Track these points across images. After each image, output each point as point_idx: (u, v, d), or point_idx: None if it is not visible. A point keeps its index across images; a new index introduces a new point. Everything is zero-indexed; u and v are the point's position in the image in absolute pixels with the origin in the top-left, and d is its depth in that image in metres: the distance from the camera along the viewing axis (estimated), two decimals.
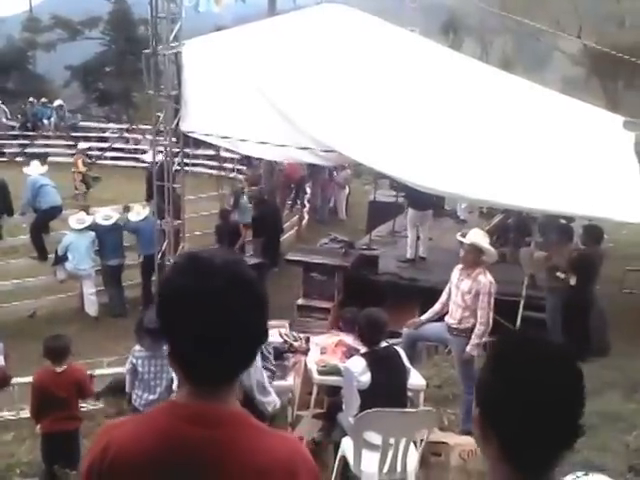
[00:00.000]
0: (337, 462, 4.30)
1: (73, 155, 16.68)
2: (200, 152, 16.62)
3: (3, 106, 21.03)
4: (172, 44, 7.60)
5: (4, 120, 20.63)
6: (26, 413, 5.35)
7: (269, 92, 6.73)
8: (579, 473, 1.34)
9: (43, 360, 4.86)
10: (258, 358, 3.39)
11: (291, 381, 4.95)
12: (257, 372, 3.47)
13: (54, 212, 9.70)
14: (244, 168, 16.12)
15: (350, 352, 4.74)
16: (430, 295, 6.59)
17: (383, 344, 4.33)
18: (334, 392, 4.73)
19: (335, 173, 15.29)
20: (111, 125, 21.85)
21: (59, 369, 4.47)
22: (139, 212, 9.51)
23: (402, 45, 7.00)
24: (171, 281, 1.37)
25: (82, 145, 17.44)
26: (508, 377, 1.22)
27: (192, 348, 1.31)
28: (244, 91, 6.90)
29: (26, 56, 29.12)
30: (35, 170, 9.93)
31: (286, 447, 1.40)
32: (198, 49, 7.63)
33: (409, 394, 4.48)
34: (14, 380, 6.01)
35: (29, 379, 5.89)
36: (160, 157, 8.32)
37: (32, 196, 9.53)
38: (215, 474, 1.31)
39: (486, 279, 5.36)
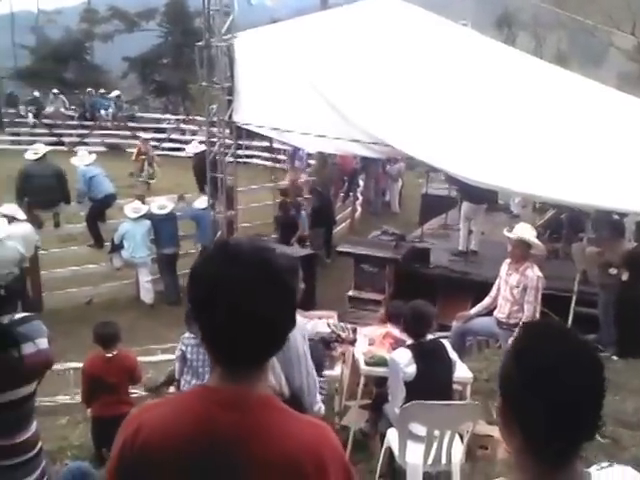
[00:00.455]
0: (383, 453, 4.32)
1: (134, 145, 17.10)
2: (254, 144, 16.80)
3: (62, 96, 21.62)
4: (225, 36, 7.71)
5: (63, 110, 21.21)
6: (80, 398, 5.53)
7: (321, 85, 6.75)
8: (604, 464, 1.32)
9: (93, 345, 5.04)
10: (309, 359, 3.41)
11: (338, 371, 4.98)
12: (309, 375, 3.49)
13: (108, 200, 9.89)
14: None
15: (397, 344, 4.74)
16: (482, 289, 6.55)
17: (429, 336, 4.32)
18: (382, 383, 4.74)
19: (388, 166, 15.24)
20: (168, 116, 22.25)
21: (109, 355, 4.60)
22: (202, 201, 9.62)
23: (454, 39, 6.91)
24: (200, 267, 1.40)
25: (144, 135, 17.81)
26: (529, 367, 1.20)
27: (220, 333, 1.34)
28: (296, 83, 6.95)
29: (84, 47, 29.89)
30: (81, 161, 10.07)
31: (314, 433, 1.41)
32: (251, 41, 7.72)
33: (456, 387, 4.46)
34: (70, 365, 6.25)
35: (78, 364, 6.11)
36: (214, 148, 8.46)
37: (85, 187, 9.73)
38: (243, 458, 1.32)
39: (534, 273, 5.30)
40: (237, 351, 1.35)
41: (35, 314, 2.42)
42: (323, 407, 3.66)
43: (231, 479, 1.33)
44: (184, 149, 19.53)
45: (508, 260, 5.79)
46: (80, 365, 6.14)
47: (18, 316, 2.28)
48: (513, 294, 5.62)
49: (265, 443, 1.33)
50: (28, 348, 2.22)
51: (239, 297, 1.31)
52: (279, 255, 1.43)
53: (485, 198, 8.94)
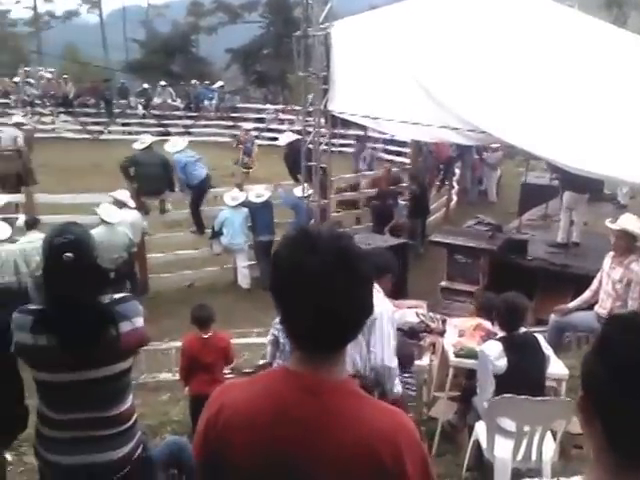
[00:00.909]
0: (470, 446, 4.27)
1: (234, 135, 17.61)
2: (350, 132, 16.84)
3: (169, 88, 22.53)
4: (322, 25, 7.77)
5: (170, 101, 22.11)
6: None
7: (419, 71, 6.66)
8: None
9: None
10: (392, 341, 3.44)
11: (426, 361, 4.96)
12: (392, 358, 3.51)
13: (203, 185, 10.08)
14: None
15: (489, 336, 4.65)
16: (582, 283, 6.27)
17: (522, 330, 4.21)
18: (471, 375, 4.68)
19: (486, 154, 14.85)
20: (268, 106, 22.69)
21: (205, 336, 4.78)
22: (303, 189, 9.77)
23: (560, 21, 6.59)
24: (280, 254, 1.43)
25: (246, 125, 18.26)
26: (615, 362, 1.14)
27: (298, 319, 1.38)
28: (392, 70, 6.88)
29: (189, 40, 30.98)
30: (173, 147, 10.28)
31: (391, 420, 1.42)
32: (347, 29, 7.72)
33: (550, 383, 4.34)
34: (173, 344, 6.55)
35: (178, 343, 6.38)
36: (309, 137, 8.57)
37: (182, 175, 9.98)
38: (320, 443, 1.35)
39: (639, 267, 5.01)
40: (315, 337, 1.38)
41: (132, 294, 2.54)
42: (401, 389, 3.69)
43: (307, 464, 1.36)
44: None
45: (611, 253, 5.52)
46: (180, 345, 6.48)
47: (117, 296, 2.40)
48: (616, 289, 5.34)
49: (341, 429, 1.36)
50: (125, 326, 2.33)
51: (317, 285, 1.33)
52: (356, 243, 1.44)
53: (589, 187, 8.54)
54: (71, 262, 2.22)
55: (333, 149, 9.92)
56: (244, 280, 9.84)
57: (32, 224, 7.68)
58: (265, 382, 1.48)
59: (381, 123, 8.14)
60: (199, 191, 10.06)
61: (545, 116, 5.76)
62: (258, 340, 7.45)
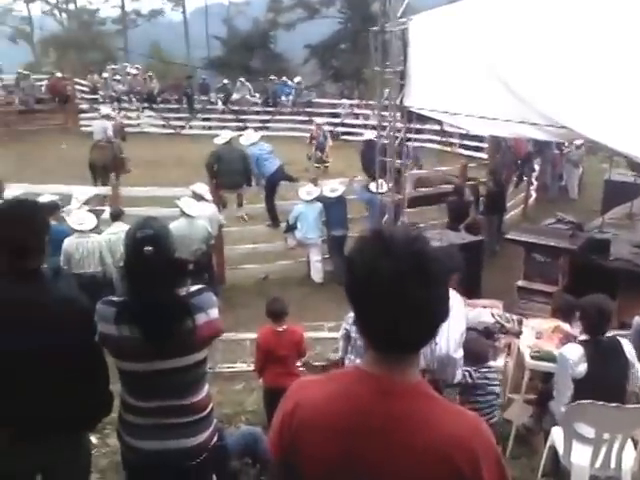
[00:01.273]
0: (546, 451, 4.17)
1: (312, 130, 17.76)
2: (425, 127, 16.66)
3: (248, 83, 22.89)
4: (400, 20, 7.70)
5: (248, 97, 22.47)
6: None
7: (497, 65, 6.49)
8: None
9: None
10: (456, 330, 3.41)
11: (501, 362, 4.86)
12: (456, 348, 3.48)
13: (274, 178, 10.16)
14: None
15: (568, 339, 4.52)
16: None
17: (606, 334, 4.06)
18: (548, 379, 4.56)
19: (567, 150, 14.35)
20: (343, 101, 22.74)
21: (279, 329, 4.84)
22: (377, 185, 9.75)
23: None
24: (355, 255, 1.43)
25: (320, 120, 18.38)
26: None
27: (374, 321, 1.38)
28: (470, 65, 6.74)
29: (268, 36, 31.41)
30: (247, 140, 10.39)
31: (467, 424, 1.40)
32: (425, 24, 7.62)
33: (633, 389, 4.17)
34: (248, 335, 6.69)
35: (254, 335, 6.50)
36: (384, 133, 8.53)
37: (256, 169, 10.11)
38: (393, 445, 1.35)
39: None
40: (391, 340, 1.39)
41: (207, 286, 2.61)
42: (461, 376, 3.65)
43: (380, 466, 1.36)
44: (357, 134, 20.03)
45: None
46: (255, 336, 6.60)
47: (192, 288, 2.48)
48: None
49: (416, 432, 1.36)
50: (200, 318, 2.40)
51: (392, 289, 1.33)
52: (432, 245, 1.44)
53: None
54: (151, 255, 2.31)
55: (409, 144, 9.81)
56: (317, 274, 9.91)
57: (117, 216, 8.00)
58: (339, 382, 1.49)
59: (458, 118, 8.00)
60: (271, 184, 10.17)
61: (631, 112, 5.51)
62: (330, 334, 7.50)
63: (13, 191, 8.70)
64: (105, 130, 13.67)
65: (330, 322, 7.90)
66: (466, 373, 3.97)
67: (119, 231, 7.82)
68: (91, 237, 7.51)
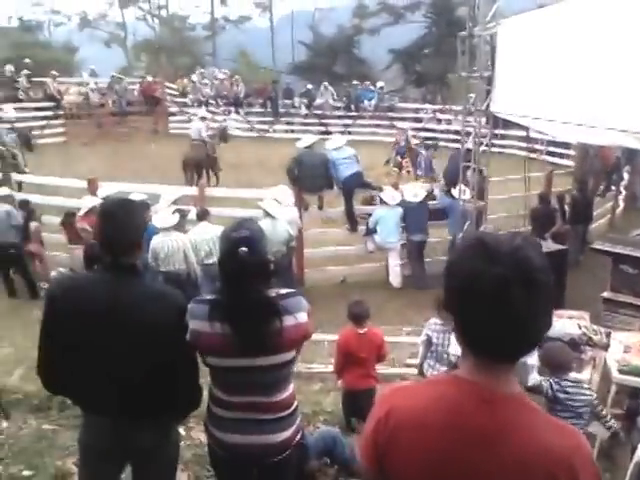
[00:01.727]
0: (632, 467, 4.02)
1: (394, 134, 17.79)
2: (510, 133, 16.32)
3: (330, 88, 23.09)
4: (488, 25, 7.63)
5: (331, 101, 22.67)
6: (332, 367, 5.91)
7: (586, 71, 6.34)
8: None
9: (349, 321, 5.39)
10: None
11: (587, 375, 4.72)
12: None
13: (351, 182, 10.12)
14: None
15: None
16: None
17: None
18: (636, 394, 4.41)
19: None
20: (426, 106, 22.57)
21: (361, 331, 4.84)
22: (460, 191, 9.66)
23: None
24: (456, 262, 1.41)
25: (402, 125, 18.33)
26: None
27: (475, 328, 1.36)
28: (559, 71, 6.61)
29: (352, 41, 31.55)
30: (332, 145, 10.41)
31: (568, 439, 1.37)
32: (513, 29, 7.52)
33: None
34: (326, 336, 6.77)
35: (337, 337, 6.56)
36: (469, 138, 8.47)
37: (334, 172, 10.09)
38: (490, 455, 1.33)
39: None
40: (492, 348, 1.37)
41: (298, 290, 2.67)
42: (537, 381, 3.57)
43: (475, 473, 1.35)
44: (439, 139, 19.83)
45: None
46: (334, 337, 6.66)
47: (282, 291, 2.53)
48: None
49: (514, 442, 1.34)
50: (288, 320, 2.45)
51: (497, 296, 1.31)
52: (538, 253, 1.39)
53: None
54: (245, 256, 2.38)
55: (494, 150, 9.68)
56: (395, 278, 9.89)
57: (202, 216, 8.28)
58: (436, 388, 1.48)
59: (544, 124, 7.84)
60: (347, 188, 10.19)
61: None
62: (407, 339, 7.48)
63: (106, 190, 9.16)
64: (199, 131, 14.75)
65: (408, 327, 7.89)
66: (546, 384, 3.88)
67: (204, 231, 8.12)
68: (176, 236, 7.79)
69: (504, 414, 1.36)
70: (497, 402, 1.37)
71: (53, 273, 9.55)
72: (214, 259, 8.04)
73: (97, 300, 2.45)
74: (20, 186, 11.82)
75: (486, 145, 8.58)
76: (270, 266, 2.56)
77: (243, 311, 2.41)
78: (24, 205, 9.49)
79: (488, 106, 7.91)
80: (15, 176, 11.94)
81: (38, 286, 9.20)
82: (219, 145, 15.41)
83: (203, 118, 15.80)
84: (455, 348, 3.86)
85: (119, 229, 2.50)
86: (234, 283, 2.44)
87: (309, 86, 23.31)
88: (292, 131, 21.40)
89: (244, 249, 2.38)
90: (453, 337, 3.90)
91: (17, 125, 17.33)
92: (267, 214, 8.31)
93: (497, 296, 1.30)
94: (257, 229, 2.54)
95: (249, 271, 2.40)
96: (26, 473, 3.67)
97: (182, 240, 7.85)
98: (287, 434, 2.61)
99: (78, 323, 2.45)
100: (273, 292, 2.50)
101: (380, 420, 1.46)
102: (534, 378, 3.53)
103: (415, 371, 6.25)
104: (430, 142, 16.33)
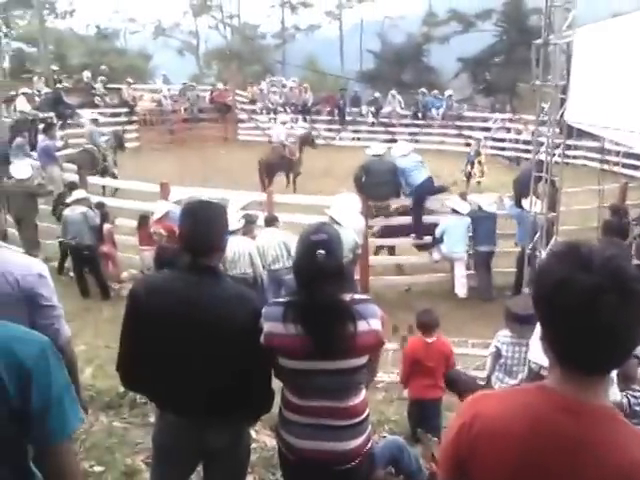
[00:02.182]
0: None
1: (468, 144, 17.74)
2: (582, 144, 15.88)
3: (398, 96, 23.01)
4: (564, 33, 7.47)
5: (398, 110, 22.58)
6: (396, 377, 5.84)
7: None
8: None
9: (414, 330, 5.32)
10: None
11: None
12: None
13: (422, 189, 10.05)
14: None
15: None
16: None
17: None
18: None
19: None
20: (495, 115, 22.23)
21: (429, 340, 4.82)
22: (525, 201, 9.47)
23: None
24: (547, 270, 1.38)
25: (477, 135, 18.11)
26: None
27: (566, 337, 1.34)
28: (634, 79, 6.41)
29: (422, 50, 31.42)
30: (398, 151, 10.38)
31: None
32: (590, 37, 7.34)
33: None
34: (389, 346, 6.75)
35: (396, 346, 6.55)
36: (541, 148, 8.29)
37: (402, 180, 10.05)
38: (575, 465, 1.32)
39: None
40: (583, 358, 1.34)
41: (371, 297, 2.67)
42: (618, 395, 3.46)
43: None
44: (509, 148, 19.51)
45: None
46: (395, 346, 6.65)
47: (357, 296, 2.55)
48: None
49: (600, 455, 1.31)
50: (362, 326, 2.44)
51: (590, 305, 1.28)
52: (632, 263, 1.37)
53: None
54: (323, 259, 2.41)
55: (566, 161, 9.45)
56: (461, 289, 9.77)
57: (271, 222, 8.42)
58: (521, 397, 1.47)
59: (621, 134, 7.60)
60: (418, 196, 10.11)
61: None
62: (472, 351, 7.39)
63: (177, 194, 9.44)
64: (279, 135, 15.79)
65: (473, 339, 7.78)
66: (625, 400, 3.76)
67: (271, 236, 8.25)
68: (242, 240, 7.93)
69: (590, 425, 1.34)
70: (584, 413, 1.34)
71: (124, 274, 9.93)
72: (280, 265, 8.18)
73: (178, 300, 2.51)
74: (104, 189, 12.37)
75: (559, 156, 8.38)
76: (345, 270, 2.59)
77: (318, 313, 2.43)
78: (99, 207, 9.85)
79: (562, 116, 7.73)
80: (96, 180, 12.41)
81: (109, 287, 9.55)
82: (303, 151, 15.65)
83: (284, 122, 16.89)
84: (535, 354, 3.78)
85: (202, 231, 2.56)
86: (310, 285, 2.46)
87: (376, 94, 23.30)
88: (358, 139, 21.44)
89: (322, 252, 2.40)
90: (532, 342, 3.82)
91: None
92: (334, 221, 8.36)
93: (589, 305, 1.28)
94: (334, 233, 2.56)
95: (326, 274, 2.42)
96: (97, 469, 3.76)
97: (248, 245, 8.00)
98: (359, 442, 2.59)
99: (159, 322, 2.52)
100: (348, 296, 2.51)
101: (464, 426, 1.45)
102: (615, 393, 3.41)
103: (480, 383, 6.20)
104: (510, 155, 16.06)
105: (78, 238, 9.16)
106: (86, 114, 19.24)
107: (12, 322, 1.62)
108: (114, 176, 14.12)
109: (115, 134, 16.05)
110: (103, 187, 12.73)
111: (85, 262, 9.44)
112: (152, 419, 4.47)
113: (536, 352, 3.48)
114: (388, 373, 6.66)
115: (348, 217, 8.65)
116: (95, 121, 15.34)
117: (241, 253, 7.86)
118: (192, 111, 22.07)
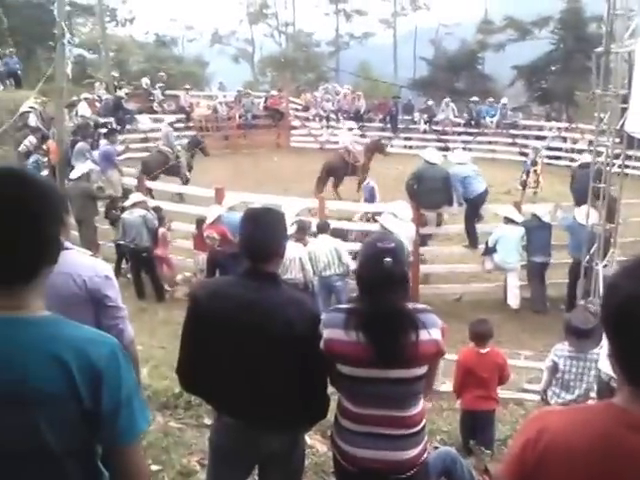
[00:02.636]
0: None
1: (524, 154, 17.51)
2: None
3: (452, 104, 22.81)
4: (626, 42, 7.31)
5: (452, 117, 22.38)
6: (447, 387, 5.79)
7: None
8: None
9: (464, 340, 5.22)
10: None
11: None
12: None
13: (480, 198, 9.98)
14: None
15: None
16: None
17: None
18: None
19: None
20: (552, 124, 21.81)
21: (483, 350, 4.75)
22: (580, 212, 9.26)
23: None
24: (617, 286, 1.36)
25: (538, 144, 17.81)
26: None
27: (632, 352, 1.32)
28: None
29: (476, 57, 31.17)
30: (456, 159, 10.37)
31: None
32: None
33: None
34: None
35: (452, 356, 6.48)
36: (600, 158, 8.11)
37: (460, 188, 9.95)
38: None
39: None
40: None
41: (431, 307, 2.63)
42: None
43: None
44: (564, 158, 19.08)
45: None
46: (449, 357, 6.59)
47: (418, 306, 2.55)
48: None
49: None
50: (423, 335, 2.44)
51: None
52: None
53: None
54: (390, 267, 2.41)
55: (626, 171, 9.20)
56: (514, 300, 9.61)
57: (323, 229, 8.47)
58: (588, 414, 1.47)
59: None
60: (475, 205, 10.04)
61: None
62: (525, 363, 7.25)
63: (231, 200, 9.60)
64: (344, 140, 16.11)
65: (525, 351, 7.64)
66: None
67: (323, 243, 8.31)
68: (293, 245, 7.99)
69: None
70: None
71: (179, 277, 10.14)
72: (331, 271, 8.23)
73: (238, 304, 2.54)
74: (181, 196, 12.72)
75: (618, 166, 8.17)
76: (409, 279, 2.58)
77: (382, 320, 2.43)
78: (156, 211, 10.09)
79: (622, 125, 7.54)
80: (154, 185, 12.70)
81: (164, 289, 9.76)
82: (372, 158, 15.61)
83: (350, 128, 17.57)
84: (604, 364, 3.71)
85: (263, 237, 2.60)
86: (376, 292, 2.46)
87: (429, 102, 23.17)
88: (410, 147, 21.34)
89: (389, 259, 2.40)
90: (602, 352, 3.76)
91: (150, 135, 18.68)
92: (384, 229, 8.37)
93: None
94: (400, 242, 2.57)
95: (392, 281, 2.43)
96: (154, 468, 3.80)
97: (299, 250, 8.07)
98: (416, 451, 2.57)
99: (218, 326, 2.55)
100: (409, 305, 2.51)
101: (530, 440, 1.44)
102: None
103: (533, 397, 6.09)
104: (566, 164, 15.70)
105: (137, 240, 9.40)
106: (144, 119, 19.82)
107: (80, 322, 1.66)
108: (186, 178, 14.56)
109: (193, 139, 16.48)
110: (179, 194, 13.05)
111: (143, 264, 9.67)
112: (206, 420, 4.57)
113: (606, 362, 3.42)
114: (439, 382, 6.60)
115: (399, 224, 8.65)
116: (171, 124, 15.99)
117: (292, 258, 7.93)
118: (246, 118, 22.36)
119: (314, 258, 8.24)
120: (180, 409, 4.89)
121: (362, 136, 19.07)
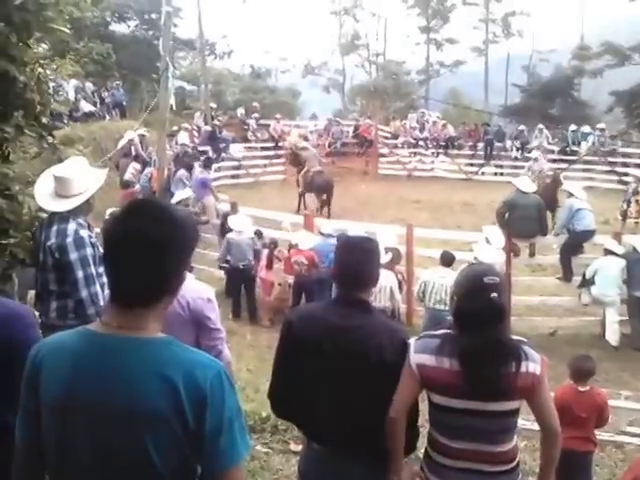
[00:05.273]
0: None
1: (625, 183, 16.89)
2: None
3: (546, 131, 22.28)
4: None
5: (545, 144, 21.75)
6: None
7: None
8: None
9: (557, 377, 4.95)
10: None
11: None
12: None
13: (587, 235, 9.71)
14: None
15: None
16: None
17: None
18: None
19: None
20: None
21: (582, 389, 4.54)
22: None
23: None
24: None
25: (634, 172, 17.05)
26: None
27: None
28: None
29: (572, 83, 30.36)
30: (572, 189, 10.13)
31: None
32: None
33: None
34: None
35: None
36: None
37: (568, 218, 9.73)
38: None
39: None
40: None
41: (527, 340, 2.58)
42: None
43: None
44: None
45: None
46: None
47: (517, 338, 2.51)
48: None
49: None
50: (523, 367, 2.41)
51: None
52: None
53: None
54: (496, 303, 2.41)
55: None
56: (613, 336, 9.13)
57: (449, 261, 8.12)
58: None
59: None
60: (578, 239, 9.70)
61: None
62: (625, 404, 6.88)
63: (324, 227, 9.76)
64: (541, 166, 16.21)
65: (626, 391, 7.26)
66: None
67: (440, 277, 7.98)
68: (386, 273, 7.89)
69: None
70: None
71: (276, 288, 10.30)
72: (442, 306, 7.77)
73: (329, 330, 2.57)
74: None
75: None
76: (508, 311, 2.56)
77: (483, 350, 2.40)
78: (258, 235, 10.32)
79: None
80: (247, 210, 13.03)
81: (257, 312, 9.92)
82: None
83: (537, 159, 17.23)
84: None
85: (357, 266, 2.63)
86: (480, 325, 2.43)
87: (522, 128, 22.69)
88: (501, 174, 20.91)
89: (495, 295, 2.40)
90: None
91: (243, 163, 19.28)
92: (476, 258, 8.19)
93: None
94: (502, 276, 2.58)
95: (498, 317, 2.43)
96: None
97: (391, 278, 8.01)
98: None
99: (311, 351, 2.58)
100: (510, 337, 2.49)
101: None
102: None
103: (634, 440, 5.75)
104: None
105: (244, 261, 9.66)
106: (236, 148, 20.50)
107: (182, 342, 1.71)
108: None
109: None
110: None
111: (245, 285, 9.88)
112: (292, 447, 4.60)
113: None
114: (531, 421, 6.35)
115: (488, 253, 8.46)
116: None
117: (383, 287, 7.87)
118: (335, 146, 22.67)
119: (432, 289, 8.03)
120: (267, 433, 4.95)
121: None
